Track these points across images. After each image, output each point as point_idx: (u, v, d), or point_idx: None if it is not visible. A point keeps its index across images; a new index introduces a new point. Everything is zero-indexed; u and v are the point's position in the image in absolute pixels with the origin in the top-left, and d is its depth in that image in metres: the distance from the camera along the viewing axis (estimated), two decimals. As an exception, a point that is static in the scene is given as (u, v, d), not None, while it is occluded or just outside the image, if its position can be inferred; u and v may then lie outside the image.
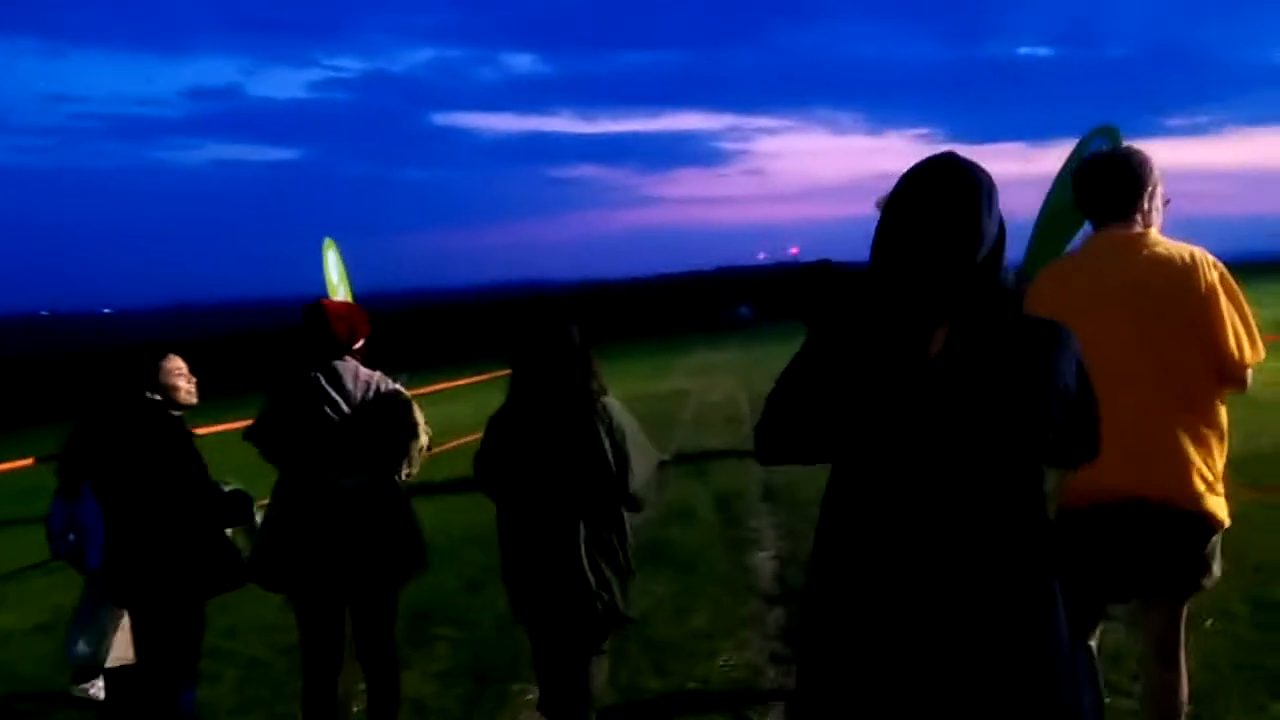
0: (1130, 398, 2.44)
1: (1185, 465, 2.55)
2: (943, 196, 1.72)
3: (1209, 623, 4.05)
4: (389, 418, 3.40)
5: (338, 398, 3.30)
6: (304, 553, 3.31)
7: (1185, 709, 2.71)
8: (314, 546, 3.30)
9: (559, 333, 3.12)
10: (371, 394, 3.37)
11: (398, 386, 3.52)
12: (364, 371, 3.42)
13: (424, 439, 3.55)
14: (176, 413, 3.66)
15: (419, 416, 3.55)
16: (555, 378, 3.07)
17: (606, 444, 2.99)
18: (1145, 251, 2.62)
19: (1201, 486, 2.56)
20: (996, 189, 1.75)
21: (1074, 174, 2.83)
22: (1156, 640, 2.73)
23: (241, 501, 3.73)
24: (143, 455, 3.48)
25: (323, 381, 3.32)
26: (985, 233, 1.71)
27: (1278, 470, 6.66)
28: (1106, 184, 2.70)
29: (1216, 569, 2.68)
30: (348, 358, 3.41)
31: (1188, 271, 2.55)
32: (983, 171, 1.74)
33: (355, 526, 3.30)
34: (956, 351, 1.72)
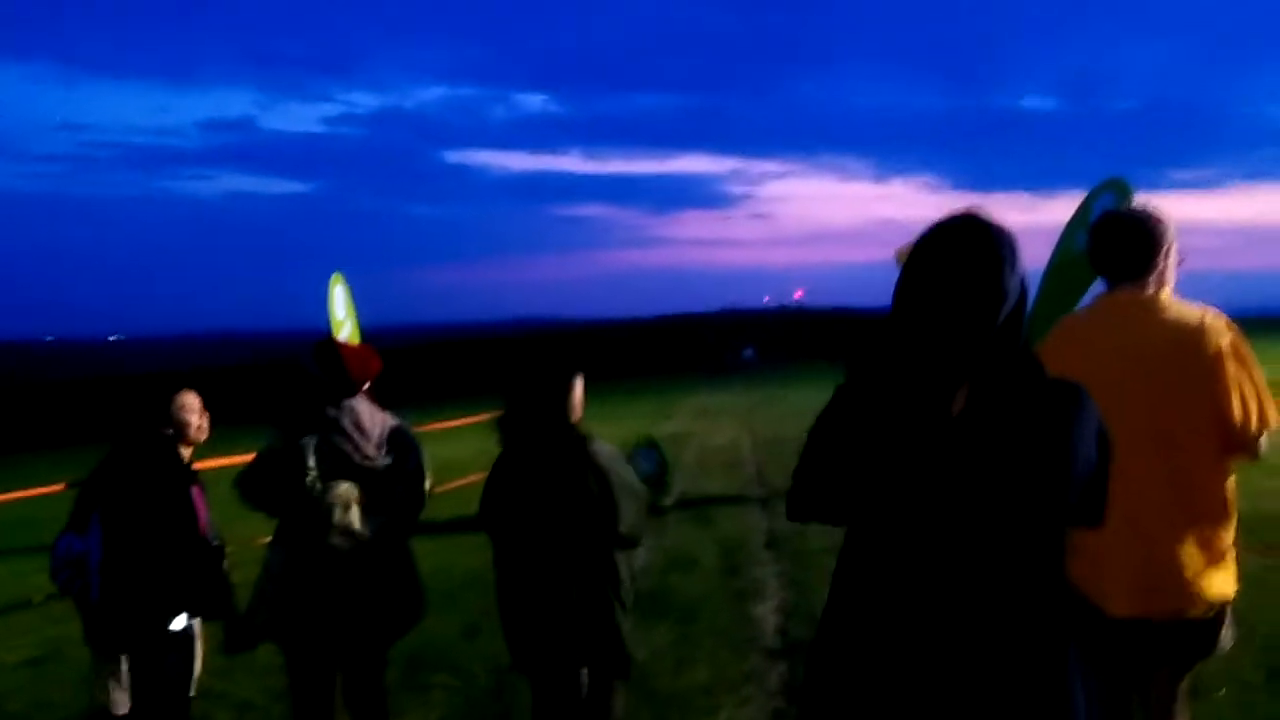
0: (1135, 468, 2.36)
1: (1193, 575, 2.49)
2: (965, 254, 1.68)
3: (1222, 692, 3.96)
4: (405, 458, 3.35)
5: (358, 438, 3.24)
6: (305, 604, 3.22)
7: None
8: (317, 597, 3.21)
9: (546, 375, 3.13)
10: (387, 433, 3.32)
11: (404, 426, 3.47)
12: (377, 411, 3.37)
13: (428, 480, 3.51)
14: (187, 449, 3.63)
15: (425, 459, 3.51)
16: (541, 419, 3.08)
17: (594, 486, 2.98)
18: (1154, 315, 2.58)
19: (1209, 583, 2.50)
20: (1019, 247, 1.72)
21: (1091, 229, 2.80)
22: (1158, 707, 2.66)
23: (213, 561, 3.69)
24: (146, 489, 3.46)
25: (343, 421, 3.25)
26: (1008, 291, 1.68)
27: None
28: (1122, 244, 2.67)
29: (1228, 636, 2.62)
30: (361, 396, 3.36)
31: (1195, 336, 2.51)
32: (1006, 230, 1.72)
33: (360, 576, 3.23)
34: (977, 412, 1.67)
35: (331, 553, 3.21)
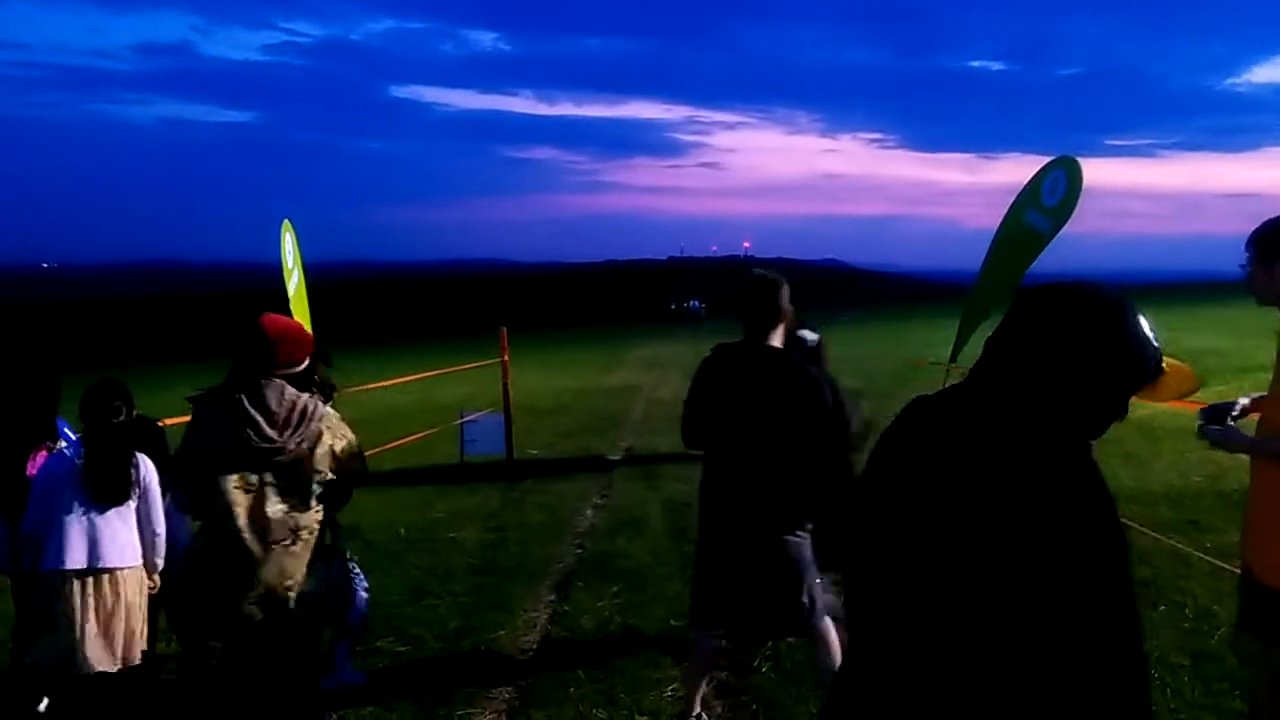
0: None
1: None
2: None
3: (1149, 674, 4.10)
4: (315, 446, 3.21)
5: (261, 420, 3.10)
6: (203, 590, 3.17)
7: None
8: (213, 583, 3.13)
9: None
10: (297, 416, 3.16)
11: (327, 410, 3.30)
12: (291, 392, 3.20)
13: (359, 463, 3.39)
14: None
15: (345, 431, 3.34)
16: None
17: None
18: None
19: None
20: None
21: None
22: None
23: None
24: None
25: (247, 402, 3.11)
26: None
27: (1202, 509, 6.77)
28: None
29: None
30: (274, 377, 3.20)
31: None
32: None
33: (278, 564, 3.14)
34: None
35: (228, 537, 3.11)
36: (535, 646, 4.93)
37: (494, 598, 5.66)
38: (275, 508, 3.13)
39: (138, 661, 3.87)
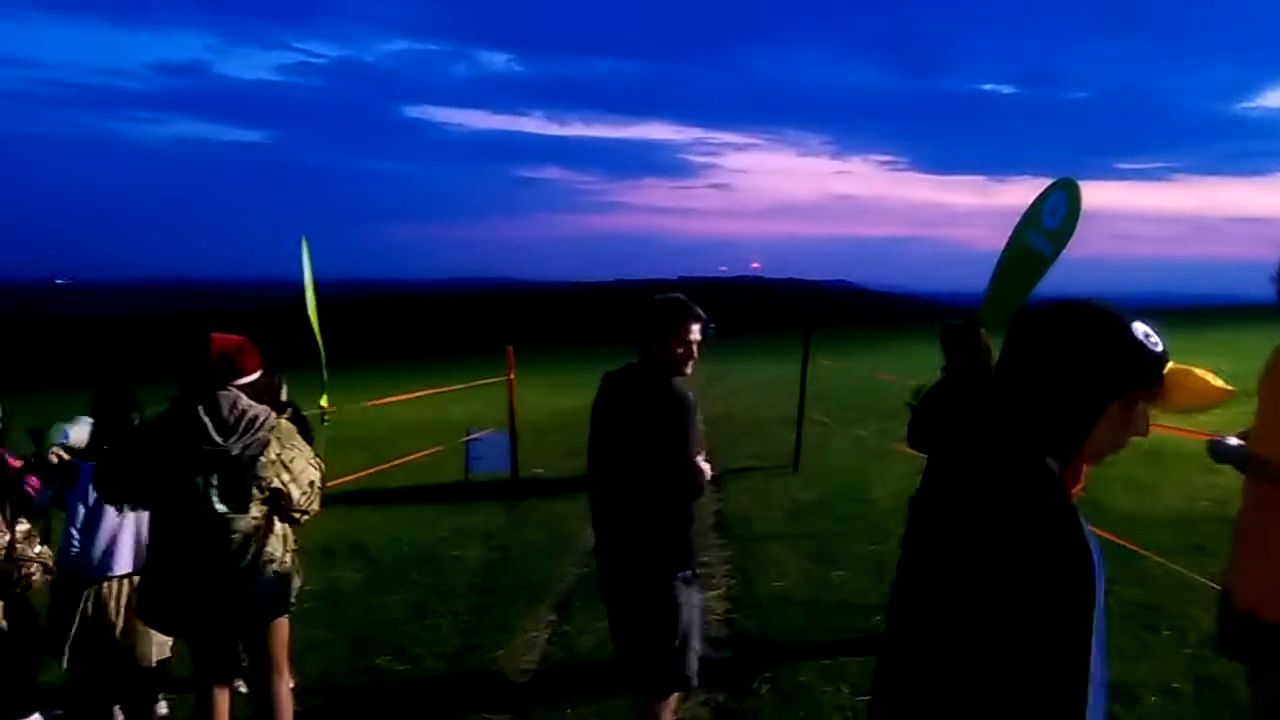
0: None
1: None
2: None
3: (1153, 699, 4.07)
4: (259, 453, 3.37)
5: (210, 425, 3.30)
6: (175, 593, 3.35)
7: None
8: (183, 586, 3.34)
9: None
10: (244, 425, 3.34)
11: (280, 422, 3.47)
12: (244, 402, 3.40)
13: (314, 474, 3.53)
14: None
15: (308, 454, 3.53)
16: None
17: None
18: None
19: None
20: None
21: None
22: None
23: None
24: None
25: (201, 411, 3.32)
26: None
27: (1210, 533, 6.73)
28: None
29: None
30: (230, 388, 3.41)
31: None
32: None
33: (214, 564, 3.32)
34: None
35: (180, 535, 3.33)
36: (534, 666, 4.91)
37: (495, 617, 5.65)
38: (217, 509, 3.31)
39: (159, 658, 4.06)
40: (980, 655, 1.38)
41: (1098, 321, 1.47)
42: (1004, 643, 1.36)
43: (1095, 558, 1.39)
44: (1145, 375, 1.46)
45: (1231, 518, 7.14)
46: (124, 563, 3.97)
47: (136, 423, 4.04)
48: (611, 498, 3.28)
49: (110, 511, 3.92)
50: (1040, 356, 1.48)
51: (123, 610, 3.94)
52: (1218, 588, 5.17)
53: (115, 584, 3.96)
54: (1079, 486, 1.61)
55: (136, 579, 3.91)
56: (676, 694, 3.34)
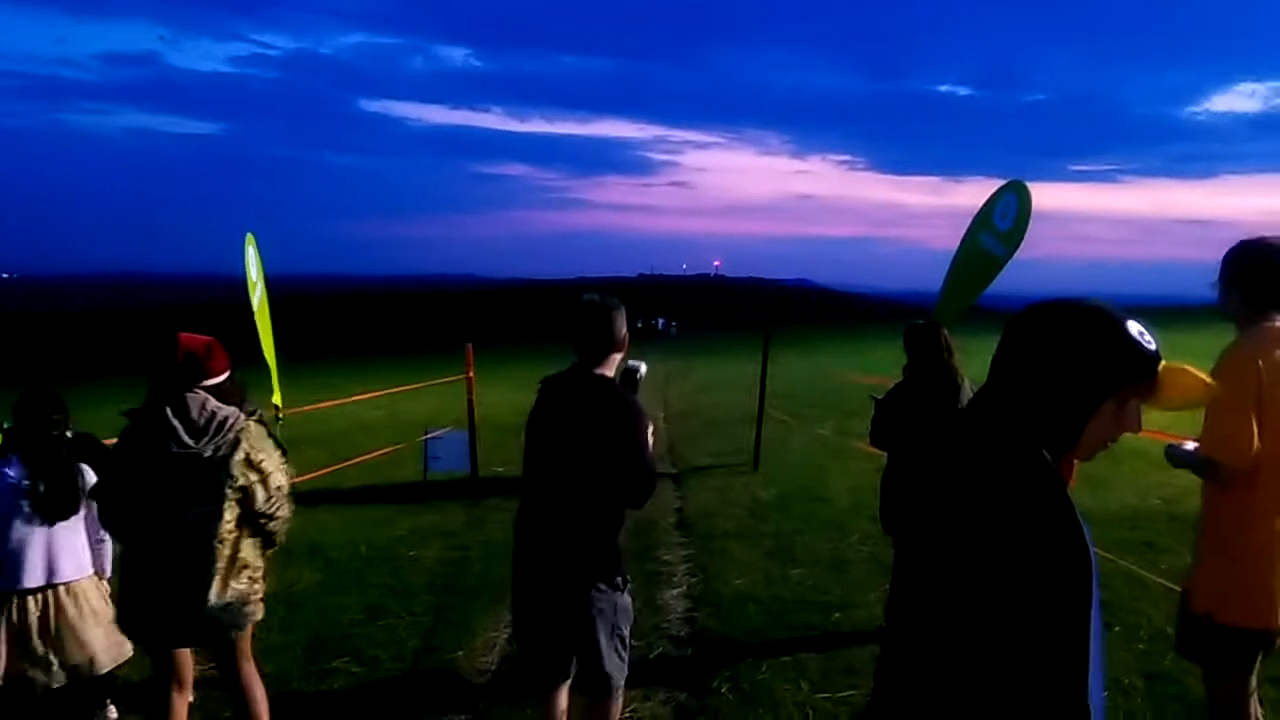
0: None
1: None
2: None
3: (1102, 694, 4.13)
4: (229, 454, 3.33)
5: (180, 428, 3.26)
6: (152, 603, 3.30)
7: None
8: (159, 595, 3.29)
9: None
10: (214, 427, 3.30)
11: (249, 424, 3.41)
12: (213, 404, 3.36)
13: (282, 479, 3.49)
14: None
15: (276, 459, 3.49)
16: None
17: None
18: None
19: None
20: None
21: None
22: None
23: None
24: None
25: (169, 413, 3.28)
26: None
27: (1163, 530, 6.86)
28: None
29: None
30: (198, 390, 3.37)
31: None
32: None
33: (190, 570, 3.27)
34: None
35: (154, 541, 3.29)
36: (494, 667, 4.88)
37: (454, 617, 5.60)
38: (190, 513, 3.27)
39: (110, 666, 3.91)
40: (983, 641, 1.41)
41: (1093, 320, 1.51)
42: (1006, 628, 1.39)
43: (1091, 549, 1.42)
44: (1139, 373, 1.50)
45: (1183, 516, 7.29)
46: (35, 576, 3.76)
47: (58, 430, 3.87)
48: (560, 507, 3.16)
49: (18, 523, 3.74)
50: (1036, 354, 1.52)
51: (37, 624, 3.76)
52: (1168, 584, 5.30)
53: (30, 598, 3.76)
54: (1070, 482, 1.63)
55: (51, 592, 3.79)
56: (617, 700, 3.33)
